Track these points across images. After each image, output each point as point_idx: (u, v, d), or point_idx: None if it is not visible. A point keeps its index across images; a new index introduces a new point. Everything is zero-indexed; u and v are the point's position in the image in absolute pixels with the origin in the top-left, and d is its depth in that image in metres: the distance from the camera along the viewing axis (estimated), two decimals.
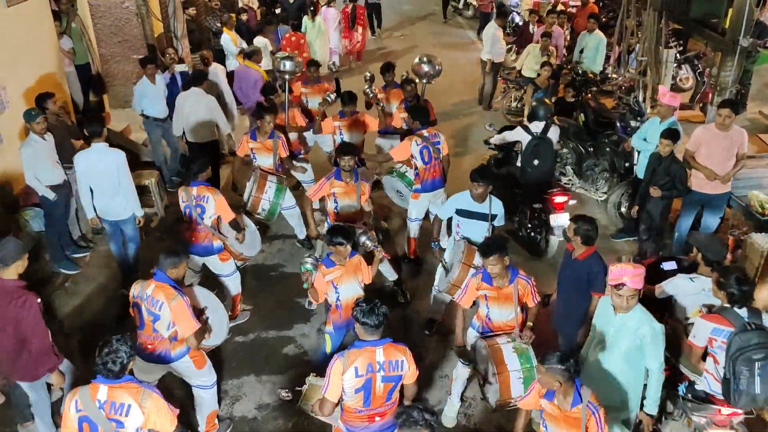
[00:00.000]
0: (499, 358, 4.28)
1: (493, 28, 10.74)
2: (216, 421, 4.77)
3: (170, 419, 3.44)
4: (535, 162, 6.71)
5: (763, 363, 3.82)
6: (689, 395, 4.28)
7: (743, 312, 3.95)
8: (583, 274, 4.57)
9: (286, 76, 7.16)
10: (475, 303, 4.67)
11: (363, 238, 5.14)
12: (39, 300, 4.19)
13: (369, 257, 5.09)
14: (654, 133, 6.42)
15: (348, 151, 5.68)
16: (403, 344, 3.70)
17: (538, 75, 9.35)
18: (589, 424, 3.39)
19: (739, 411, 4.09)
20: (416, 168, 6.30)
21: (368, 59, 13.48)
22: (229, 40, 9.95)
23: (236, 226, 5.57)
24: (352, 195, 5.76)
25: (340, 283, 4.66)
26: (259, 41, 9.77)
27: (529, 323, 4.55)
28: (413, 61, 7.41)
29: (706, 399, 4.20)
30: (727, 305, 4.01)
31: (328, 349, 4.90)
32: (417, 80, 7.50)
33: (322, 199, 6.11)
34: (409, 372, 3.67)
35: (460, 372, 4.82)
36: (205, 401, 4.63)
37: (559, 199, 6.59)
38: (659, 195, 6.05)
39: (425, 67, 7.20)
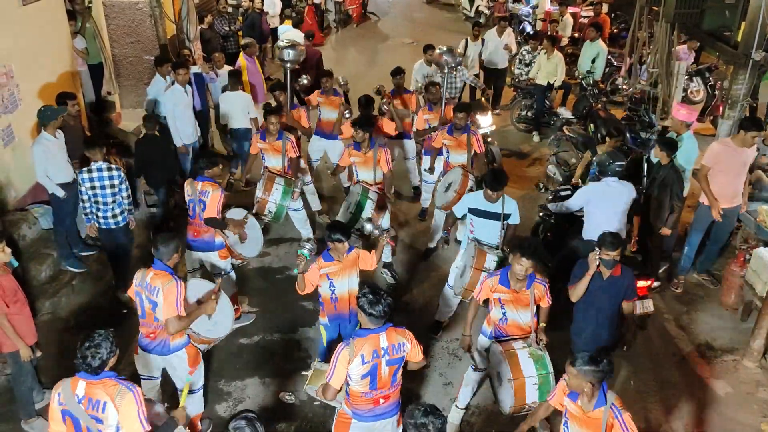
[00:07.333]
0: (515, 364, 4.26)
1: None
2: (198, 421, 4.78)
3: (137, 427, 3.34)
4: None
5: None
6: None
7: None
8: (621, 289, 4.59)
9: (288, 65, 7.18)
10: (485, 305, 4.66)
11: (368, 227, 5.20)
12: None
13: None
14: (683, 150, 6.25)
15: (364, 123, 6.08)
16: (403, 327, 3.78)
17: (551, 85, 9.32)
18: (613, 427, 3.35)
19: None
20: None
21: (376, 65, 13.49)
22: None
23: (214, 223, 5.47)
24: (369, 163, 6.15)
25: (336, 278, 4.67)
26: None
27: (542, 324, 4.54)
28: (435, 52, 7.48)
29: None
30: None
31: (325, 340, 4.95)
32: (439, 71, 7.66)
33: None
34: (413, 351, 3.75)
35: (470, 377, 4.80)
36: (191, 405, 4.62)
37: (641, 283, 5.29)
38: (669, 234, 6.09)
39: (446, 57, 7.27)
